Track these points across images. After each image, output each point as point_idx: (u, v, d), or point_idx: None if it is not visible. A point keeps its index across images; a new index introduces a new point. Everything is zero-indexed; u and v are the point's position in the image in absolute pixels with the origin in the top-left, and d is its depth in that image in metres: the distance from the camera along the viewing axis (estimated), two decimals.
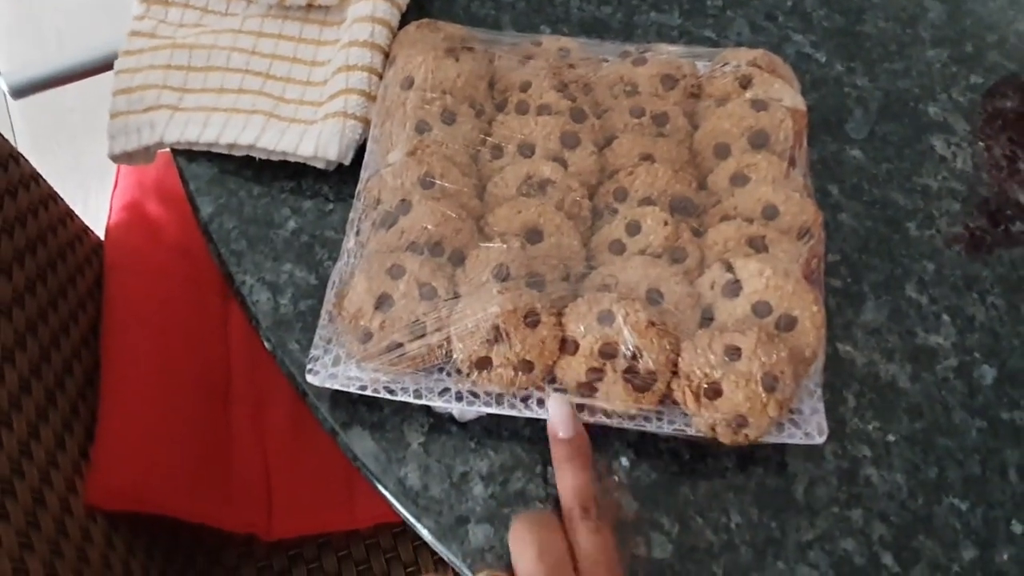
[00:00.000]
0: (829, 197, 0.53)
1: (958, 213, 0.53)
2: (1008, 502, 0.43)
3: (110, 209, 0.80)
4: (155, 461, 0.64)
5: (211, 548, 0.71)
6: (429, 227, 0.43)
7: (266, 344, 0.47)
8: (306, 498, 0.71)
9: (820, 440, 0.41)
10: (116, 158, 0.56)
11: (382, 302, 0.41)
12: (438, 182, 0.44)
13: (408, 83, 0.49)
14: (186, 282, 0.77)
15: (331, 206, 0.51)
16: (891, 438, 0.45)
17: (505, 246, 0.42)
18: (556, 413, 0.41)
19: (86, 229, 0.78)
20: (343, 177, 0.52)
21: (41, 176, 0.71)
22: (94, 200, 1.32)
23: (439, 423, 0.44)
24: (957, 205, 0.53)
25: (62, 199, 0.74)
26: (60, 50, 0.78)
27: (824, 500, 0.43)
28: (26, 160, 0.67)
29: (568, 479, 0.40)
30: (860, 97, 0.58)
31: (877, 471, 0.43)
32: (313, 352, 0.43)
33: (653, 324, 0.41)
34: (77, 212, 0.76)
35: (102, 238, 0.78)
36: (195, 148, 0.53)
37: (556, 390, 0.42)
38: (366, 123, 0.51)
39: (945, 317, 0.49)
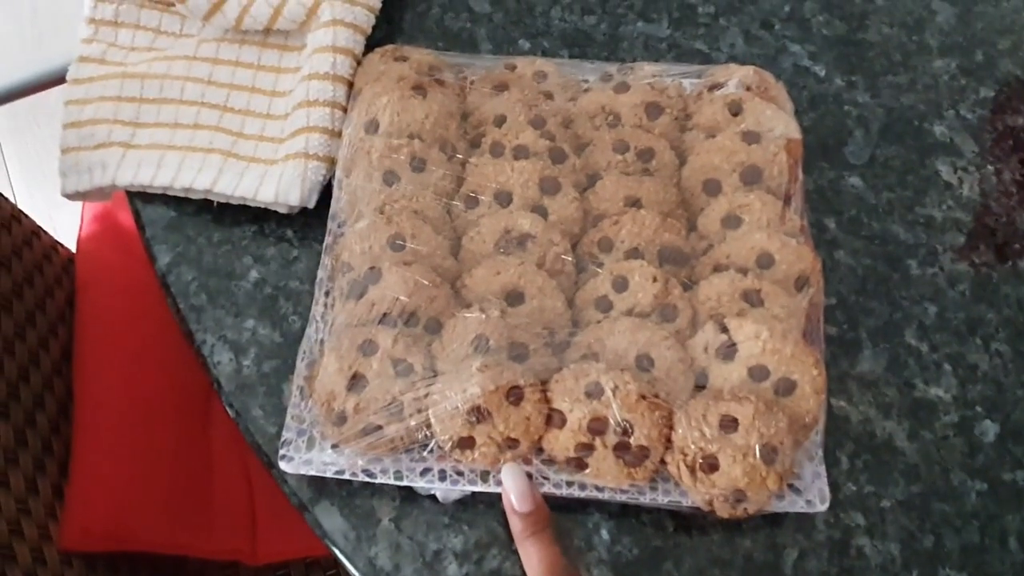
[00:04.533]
0: (826, 232, 0.50)
1: (963, 248, 0.50)
2: (1008, 573, 0.41)
3: (81, 220, 0.77)
4: (133, 496, 0.62)
5: (196, 574, 0.70)
6: (401, 297, 0.40)
7: (229, 411, 0.44)
8: (292, 520, 0.69)
9: (822, 508, 0.40)
10: (70, 197, 0.53)
11: (355, 383, 0.39)
12: (409, 244, 0.41)
13: (373, 126, 0.45)
14: (162, 297, 0.74)
15: (295, 252, 0.48)
16: (886, 504, 0.42)
17: (484, 315, 0.40)
18: (511, 486, 0.38)
19: (56, 246, 0.75)
20: (308, 220, 0.49)
21: (4, 197, 0.68)
22: None
23: (411, 497, 0.42)
24: (962, 238, 0.50)
25: (28, 216, 0.71)
26: (37, 45, 0.74)
27: (814, 575, 0.41)
28: None
29: (534, 557, 0.37)
30: (861, 116, 0.54)
31: (871, 541, 0.41)
32: (285, 435, 0.40)
33: (644, 397, 0.38)
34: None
35: (73, 250, 0.75)
36: (149, 191, 0.50)
37: (543, 462, 0.40)
38: (330, 163, 0.48)
39: (946, 366, 0.46)
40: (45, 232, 0.74)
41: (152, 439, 0.66)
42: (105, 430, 0.65)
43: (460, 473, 0.40)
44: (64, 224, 0.76)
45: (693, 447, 0.38)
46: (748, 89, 0.48)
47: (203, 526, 0.65)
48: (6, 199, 0.68)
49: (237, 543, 0.66)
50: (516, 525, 0.38)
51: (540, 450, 0.40)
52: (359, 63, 0.50)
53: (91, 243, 0.76)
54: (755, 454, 0.37)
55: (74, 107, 0.52)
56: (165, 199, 0.50)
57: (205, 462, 0.68)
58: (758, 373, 0.39)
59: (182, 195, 0.49)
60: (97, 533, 0.59)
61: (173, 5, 0.54)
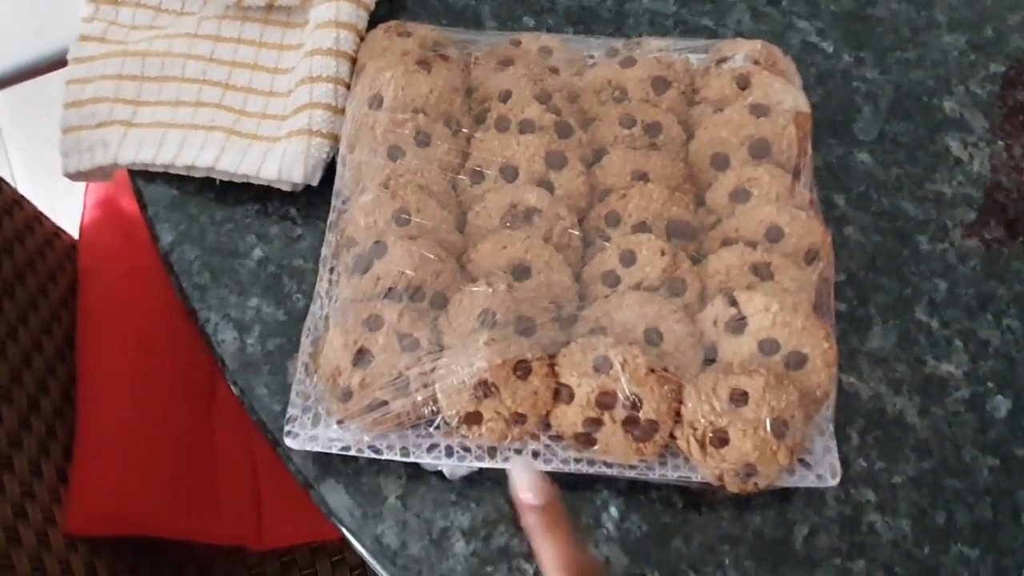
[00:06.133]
0: (835, 209, 0.49)
1: (973, 223, 0.49)
2: (1020, 548, 0.41)
3: (84, 206, 0.77)
4: (137, 481, 0.62)
5: (200, 558, 0.70)
6: (407, 272, 0.39)
7: (233, 388, 0.44)
8: (297, 505, 0.69)
9: (833, 482, 0.39)
10: (71, 176, 0.52)
11: (360, 358, 0.39)
12: (414, 218, 0.41)
13: (377, 101, 0.45)
14: (165, 282, 0.74)
15: (299, 231, 0.48)
16: (897, 480, 0.42)
17: (490, 289, 0.39)
18: (521, 479, 0.35)
19: (58, 232, 0.74)
20: (311, 198, 0.48)
21: (5, 181, 0.67)
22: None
23: (418, 474, 0.41)
24: (972, 214, 0.50)
25: (30, 202, 0.71)
26: (37, 33, 0.74)
27: (825, 551, 0.40)
28: None
29: (549, 553, 0.34)
30: (870, 92, 0.53)
31: (882, 517, 0.41)
32: (291, 411, 0.40)
33: (653, 371, 0.38)
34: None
35: (76, 236, 0.75)
36: (151, 169, 0.49)
37: (551, 437, 0.40)
38: (333, 139, 0.47)
39: (957, 342, 0.46)
40: (47, 218, 0.73)
41: (155, 424, 0.66)
42: (108, 415, 0.64)
43: (467, 449, 0.39)
44: (66, 216, 0.76)
45: (703, 421, 0.38)
46: (756, 63, 0.48)
47: (207, 511, 0.65)
48: (8, 184, 0.67)
49: (242, 528, 0.66)
50: (528, 520, 0.36)
51: (548, 425, 0.40)
52: (362, 39, 0.50)
53: (93, 229, 0.75)
54: (766, 427, 0.37)
55: (75, 86, 0.52)
56: (167, 177, 0.50)
57: (209, 447, 0.68)
58: (768, 346, 0.39)
59: (184, 173, 0.49)
60: (101, 517, 0.59)
61: None
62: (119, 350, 0.68)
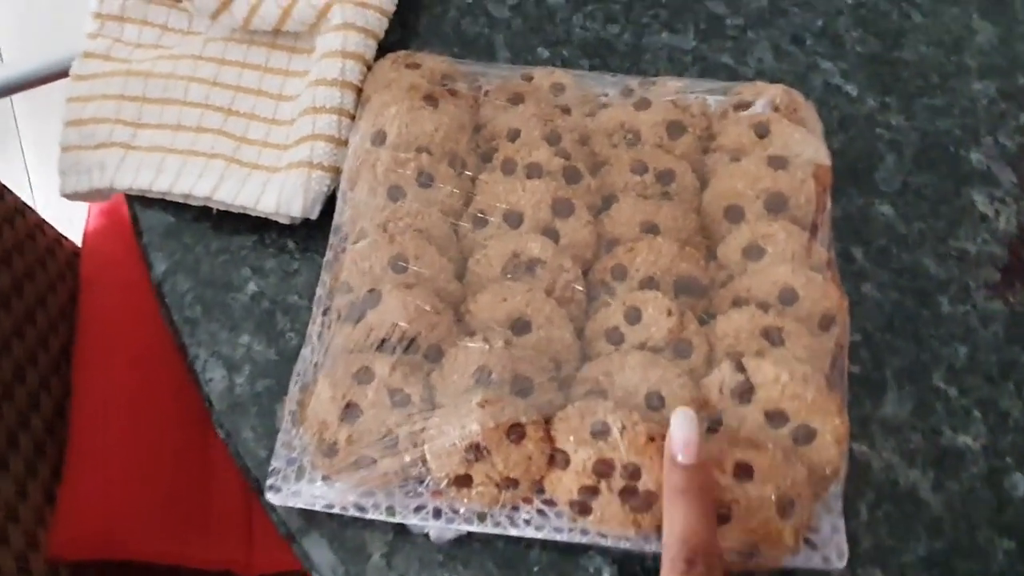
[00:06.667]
0: (853, 263, 0.47)
1: (997, 285, 0.47)
2: None
3: (88, 213, 0.76)
4: (127, 503, 0.61)
5: None
6: (401, 324, 0.38)
7: (219, 430, 0.43)
8: None
9: (840, 565, 0.37)
10: (68, 197, 0.51)
11: (349, 412, 0.37)
12: (411, 266, 0.39)
13: (380, 138, 0.43)
14: None
15: (296, 265, 0.47)
16: (907, 559, 0.40)
17: (487, 346, 0.37)
18: (679, 430, 0.33)
19: (60, 239, 0.74)
20: (310, 230, 0.47)
21: (8, 189, 0.66)
22: None
23: (404, 531, 0.40)
24: (997, 275, 0.47)
25: (32, 210, 0.70)
26: (56, 37, 0.73)
27: None
28: None
29: (676, 519, 0.32)
30: (893, 140, 0.51)
31: None
32: (274, 463, 0.38)
33: (653, 439, 0.36)
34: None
35: (79, 243, 0.74)
36: (148, 195, 0.48)
37: (544, 502, 0.38)
38: (335, 172, 0.46)
39: (976, 413, 0.44)
40: (49, 225, 0.72)
41: (151, 443, 0.65)
42: (103, 432, 0.63)
43: (456, 511, 0.38)
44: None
45: None
46: (776, 109, 0.46)
47: (198, 534, 0.64)
48: (11, 192, 0.67)
49: (232, 553, 0.65)
50: (669, 477, 0.33)
51: (541, 490, 0.38)
52: (370, 68, 0.48)
53: (97, 238, 0.74)
54: (770, 506, 0.35)
55: (76, 104, 0.51)
56: (164, 204, 0.48)
57: (204, 469, 0.67)
58: (776, 418, 0.37)
59: (182, 201, 0.47)
60: (88, 541, 0.58)
61: (181, 1, 0.52)
62: (117, 365, 0.67)
